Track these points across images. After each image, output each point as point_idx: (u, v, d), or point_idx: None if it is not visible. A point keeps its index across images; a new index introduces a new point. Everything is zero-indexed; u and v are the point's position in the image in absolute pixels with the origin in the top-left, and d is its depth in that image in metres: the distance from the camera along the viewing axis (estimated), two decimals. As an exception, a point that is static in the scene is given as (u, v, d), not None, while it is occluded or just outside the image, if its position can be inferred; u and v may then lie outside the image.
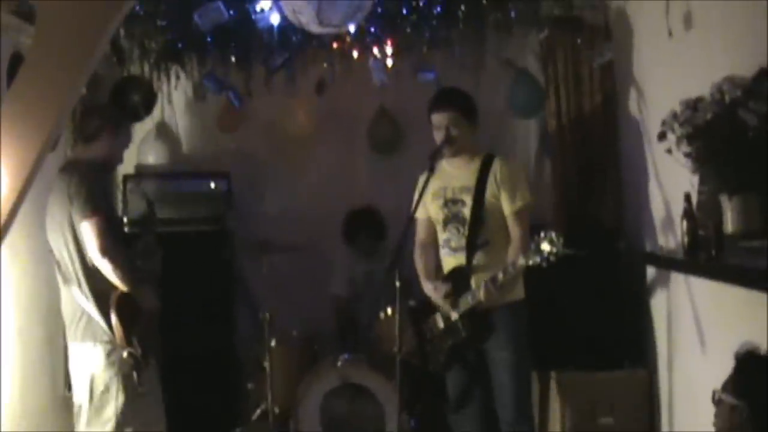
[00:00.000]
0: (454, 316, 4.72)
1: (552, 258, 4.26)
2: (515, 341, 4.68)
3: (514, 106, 6.20)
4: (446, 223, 4.81)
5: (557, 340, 5.24)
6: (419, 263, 4.96)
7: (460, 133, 4.75)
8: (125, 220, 5.93)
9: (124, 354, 4.25)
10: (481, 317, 4.66)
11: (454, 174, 4.84)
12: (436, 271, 4.91)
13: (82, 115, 4.75)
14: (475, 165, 4.78)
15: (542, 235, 4.29)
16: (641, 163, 5.23)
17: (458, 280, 4.73)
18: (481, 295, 4.55)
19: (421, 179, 4.78)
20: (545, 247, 4.25)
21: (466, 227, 4.73)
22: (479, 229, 4.71)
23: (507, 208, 4.70)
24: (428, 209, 4.89)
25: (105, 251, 4.25)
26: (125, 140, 4.81)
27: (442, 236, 4.86)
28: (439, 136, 4.77)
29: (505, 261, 4.57)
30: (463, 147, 4.79)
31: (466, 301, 4.66)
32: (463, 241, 4.74)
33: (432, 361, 4.91)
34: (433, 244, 4.94)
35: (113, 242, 4.30)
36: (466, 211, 4.73)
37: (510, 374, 4.68)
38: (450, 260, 4.81)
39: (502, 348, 4.68)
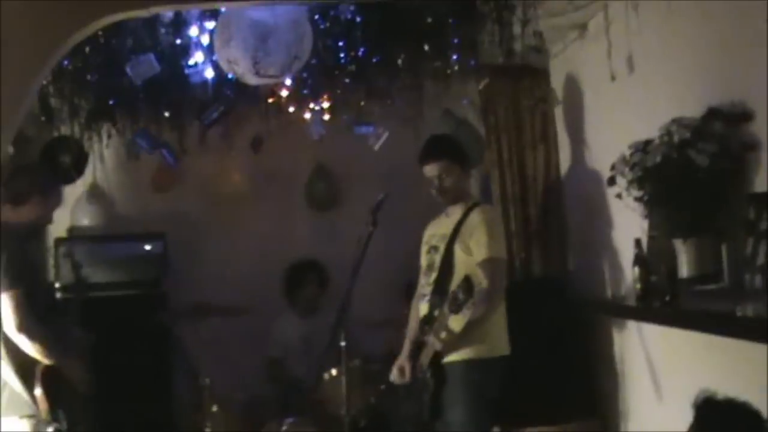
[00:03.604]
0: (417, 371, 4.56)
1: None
2: (465, 399, 4.49)
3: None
4: (425, 270, 4.70)
5: (509, 395, 5.08)
6: (411, 317, 4.81)
7: (453, 181, 4.64)
8: (57, 285, 5.65)
9: (50, 430, 4.02)
10: (439, 371, 4.46)
11: (443, 221, 4.72)
12: None
13: (11, 176, 4.53)
14: (459, 213, 4.64)
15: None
16: (587, 210, 5.15)
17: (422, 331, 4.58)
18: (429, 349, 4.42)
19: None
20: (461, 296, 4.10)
21: (433, 275, 4.59)
22: (446, 278, 4.52)
23: (475, 258, 4.48)
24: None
25: (21, 327, 4.04)
26: (56, 202, 4.61)
27: (420, 283, 4.75)
28: (432, 188, 4.66)
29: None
30: (458, 195, 4.67)
31: (426, 354, 4.47)
32: (428, 289, 4.60)
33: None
34: None
35: (32, 317, 4.07)
36: (438, 259, 4.60)
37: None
38: (422, 307, 4.65)
39: (453, 403, 4.50)
